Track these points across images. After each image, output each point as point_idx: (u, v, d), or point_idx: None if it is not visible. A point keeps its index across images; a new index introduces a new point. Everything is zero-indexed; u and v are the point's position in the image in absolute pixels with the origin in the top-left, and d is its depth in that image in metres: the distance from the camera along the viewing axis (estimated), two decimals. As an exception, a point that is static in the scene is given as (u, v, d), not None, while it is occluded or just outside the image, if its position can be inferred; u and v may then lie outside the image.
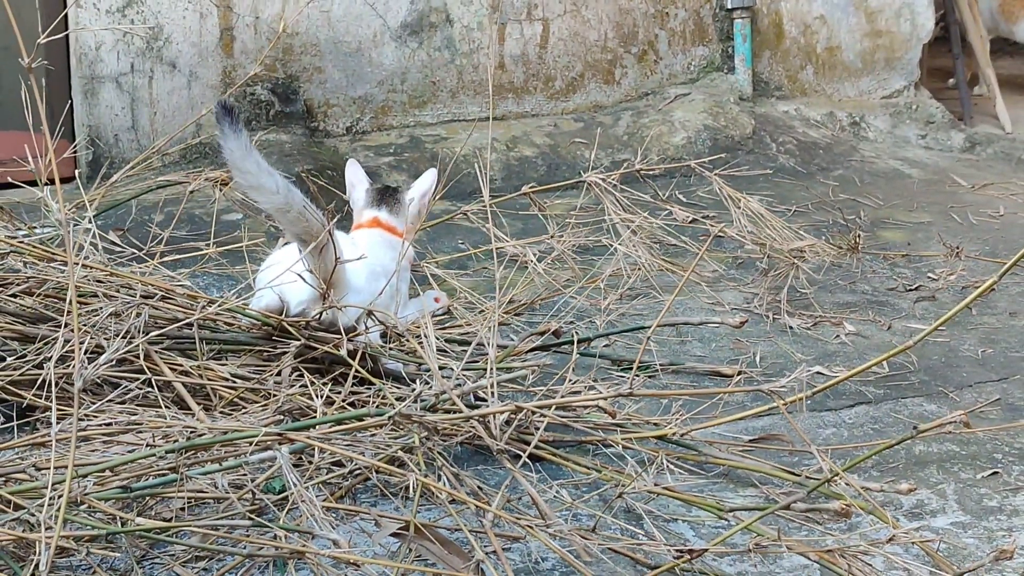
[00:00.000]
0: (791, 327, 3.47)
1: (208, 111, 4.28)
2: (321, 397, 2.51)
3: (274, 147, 4.59)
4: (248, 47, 4.74)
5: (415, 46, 4.98)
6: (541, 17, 5.14)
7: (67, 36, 4.48)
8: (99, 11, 4.58)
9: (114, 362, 2.53)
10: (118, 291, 2.86)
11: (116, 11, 4.59)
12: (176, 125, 4.49)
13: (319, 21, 4.84)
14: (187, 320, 2.76)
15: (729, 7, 5.38)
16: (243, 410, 2.67)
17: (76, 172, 4.53)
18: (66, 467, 1.91)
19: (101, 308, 2.74)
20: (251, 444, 2.23)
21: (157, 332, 2.70)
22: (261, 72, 4.68)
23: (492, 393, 2.43)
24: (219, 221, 3.83)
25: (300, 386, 2.67)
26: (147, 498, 2.24)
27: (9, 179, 3.49)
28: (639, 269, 3.53)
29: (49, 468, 1.99)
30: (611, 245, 3.58)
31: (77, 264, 2.81)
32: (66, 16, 4.51)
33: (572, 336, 3.10)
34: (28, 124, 2.91)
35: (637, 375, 2.80)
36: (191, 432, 2.31)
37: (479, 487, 2.43)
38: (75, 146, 4.39)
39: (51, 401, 2.05)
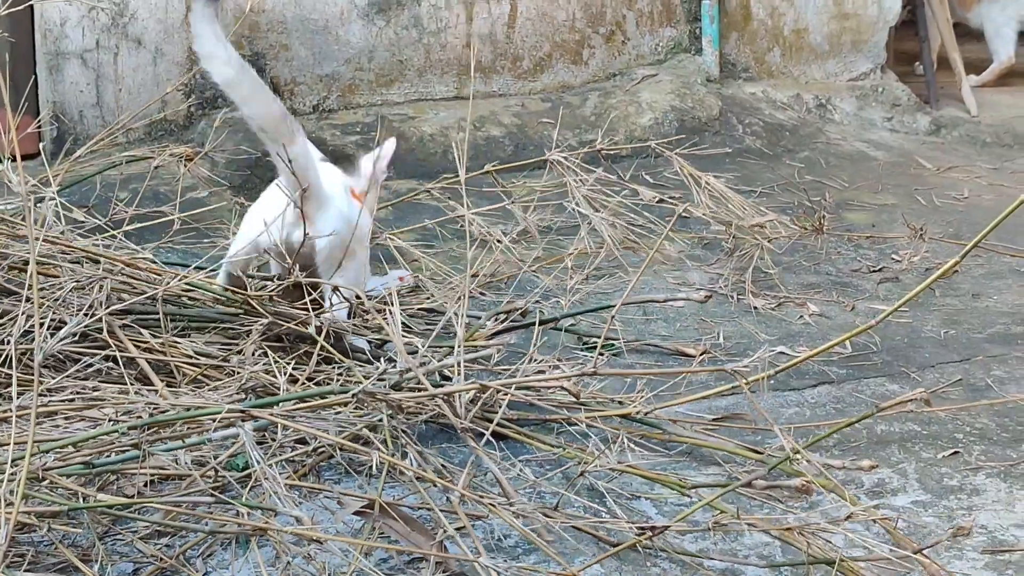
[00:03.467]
0: (755, 307, 3.48)
1: (173, 89, 4.27)
2: (285, 375, 2.50)
3: (240, 125, 4.57)
4: (214, 24, 4.70)
5: (382, 24, 4.97)
6: (509, -4, 5.13)
7: (31, 12, 4.45)
8: (64, -14, 4.56)
9: (77, 336, 2.52)
10: (81, 264, 2.84)
11: (81, -14, 4.56)
12: (141, 102, 4.47)
13: (286, -2, 4.82)
14: (151, 294, 2.75)
15: (697, -12, 5.39)
16: (207, 386, 2.66)
17: (40, 148, 4.49)
18: (27, 443, 1.90)
19: (63, 281, 2.72)
20: (214, 421, 2.23)
21: (120, 305, 2.69)
22: (227, 49, 4.65)
23: (458, 371, 2.44)
24: (184, 198, 3.81)
25: (264, 363, 2.67)
26: (109, 474, 2.23)
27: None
28: (604, 246, 3.54)
29: (9, 444, 1.98)
30: (577, 224, 3.58)
31: (38, 238, 2.78)
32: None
33: (537, 315, 3.11)
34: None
35: (601, 354, 2.80)
36: (154, 408, 2.30)
37: (443, 465, 2.43)
38: (39, 122, 4.36)
39: (12, 376, 2.04)
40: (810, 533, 2.15)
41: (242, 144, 4.40)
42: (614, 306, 2.82)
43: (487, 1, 5.10)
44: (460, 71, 5.10)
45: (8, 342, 2.46)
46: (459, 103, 5.07)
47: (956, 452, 2.68)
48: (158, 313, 2.75)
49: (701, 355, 3.14)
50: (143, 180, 3.88)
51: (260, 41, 4.79)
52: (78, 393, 2.49)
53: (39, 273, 2.79)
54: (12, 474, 1.89)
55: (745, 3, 5.48)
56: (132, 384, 2.55)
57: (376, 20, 4.95)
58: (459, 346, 2.48)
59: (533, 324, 3.00)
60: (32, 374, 2.41)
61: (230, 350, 2.79)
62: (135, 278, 2.86)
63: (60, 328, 2.54)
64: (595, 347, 3.10)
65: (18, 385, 2.00)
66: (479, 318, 3.18)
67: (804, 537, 2.15)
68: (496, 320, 3.13)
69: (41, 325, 2.06)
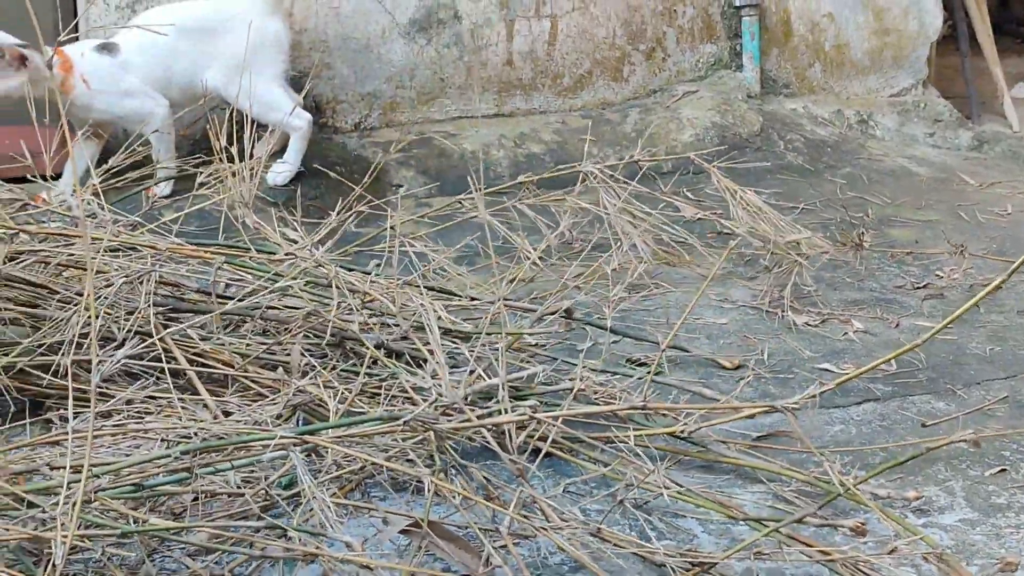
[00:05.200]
0: (797, 324, 3.47)
1: (214, 106, 4.30)
2: (335, 396, 2.51)
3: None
4: (257, 43, 4.73)
5: (424, 43, 4.99)
6: (550, 14, 5.14)
7: (76, 30, 4.49)
8: (109, 6, 4.60)
9: (130, 344, 2.55)
10: (130, 257, 2.91)
11: (126, 7, 4.60)
12: (186, 119, 4.50)
13: (328, 17, 4.85)
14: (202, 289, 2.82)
15: (737, 5, 5.38)
16: (254, 392, 2.70)
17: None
18: (81, 467, 1.91)
19: (112, 277, 2.76)
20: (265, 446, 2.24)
21: (169, 308, 2.75)
22: (270, 68, 4.69)
23: (505, 408, 2.43)
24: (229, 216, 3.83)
25: (312, 374, 2.70)
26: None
27: (29, 174, 3.50)
28: (643, 261, 3.55)
29: (64, 467, 2.00)
30: (615, 240, 3.59)
31: (95, 257, 2.81)
32: (75, 11, 4.54)
33: (585, 326, 3.13)
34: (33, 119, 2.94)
35: (644, 375, 2.80)
36: (205, 433, 2.32)
37: (487, 479, 2.44)
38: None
39: (66, 393, 2.06)
40: (853, 565, 2.15)
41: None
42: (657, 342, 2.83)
43: (527, 19, 5.12)
44: (501, 88, 5.12)
45: (61, 351, 2.52)
46: (500, 120, 5.08)
47: (1003, 470, 2.67)
48: (207, 310, 2.81)
49: (736, 368, 3.15)
50: (186, 198, 3.89)
51: (303, 60, 4.82)
52: (129, 404, 2.52)
53: (86, 269, 2.85)
54: (68, 496, 1.90)
55: (786, 19, 5.48)
56: (181, 395, 2.58)
57: (417, 38, 4.98)
58: (504, 383, 2.47)
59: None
60: (83, 390, 2.44)
61: (277, 342, 2.83)
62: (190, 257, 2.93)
63: (110, 338, 2.59)
64: (640, 363, 3.11)
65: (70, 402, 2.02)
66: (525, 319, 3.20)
67: (848, 569, 2.14)
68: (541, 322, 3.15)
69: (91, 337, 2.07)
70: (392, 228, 3.49)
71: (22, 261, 2.87)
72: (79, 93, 4.15)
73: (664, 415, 2.69)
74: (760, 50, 5.39)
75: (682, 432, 2.58)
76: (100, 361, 1.91)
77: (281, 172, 4.38)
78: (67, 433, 1.97)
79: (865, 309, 3.63)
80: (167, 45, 4.16)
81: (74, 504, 1.83)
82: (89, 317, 2.56)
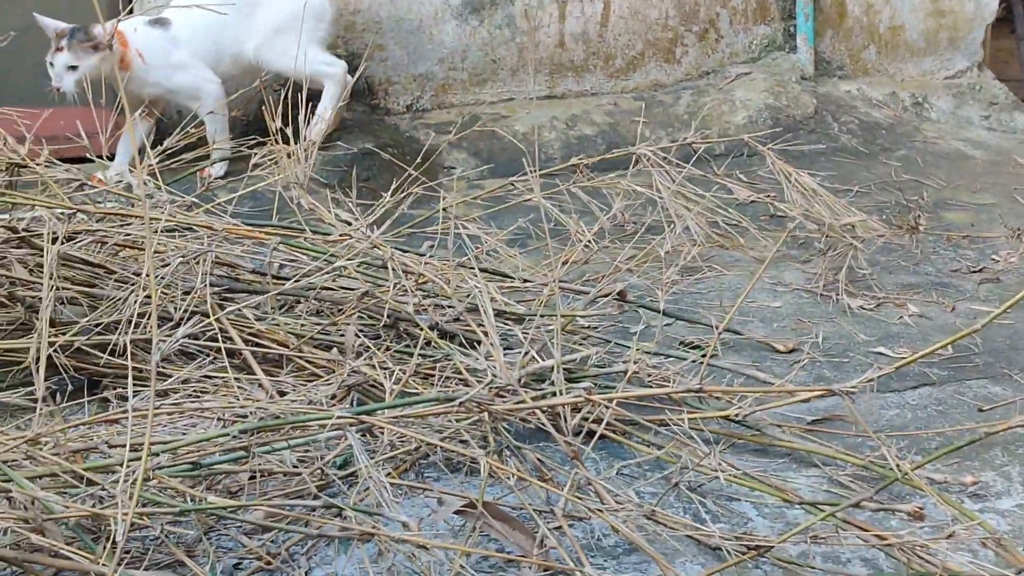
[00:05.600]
0: (851, 307, 3.45)
1: (267, 86, 4.31)
2: (390, 377, 2.52)
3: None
4: (310, 24, 4.74)
5: (476, 24, 4.99)
6: (602, -5, 5.14)
7: (132, 11, 4.52)
8: (163, -13, 4.63)
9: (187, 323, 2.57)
10: (186, 237, 2.93)
11: (180, -12, 4.63)
12: (241, 99, 4.52)
13: (381, -2, 4.86)
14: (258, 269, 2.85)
15: (791, -15, 5.36)
16: (309, 372, 2.71)
17: (144, 145, 4.56)
18: (139, 445, 1.93)
19: (169, 257, 2.78)
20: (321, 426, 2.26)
21: (224, 288, 2.76)
22: (324, 49, 4.70)
23: (559, 390, 2.43)
24: (282, 195, 3.84)
25: (367, 355, 2.71)
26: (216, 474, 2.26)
27: (89, 154, 3.54)
28: (698, 245, 3.54)
29: (124, 445, 2.01)
30: (668, 222, 3.58)
31: (154, 236, 2.83)
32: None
33: (638, 308, 3.12)
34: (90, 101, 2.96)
35: (699, 360, 2.80)
36: (262, 412, 2.33)
37: (540, 460, 2.44)
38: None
39: (123, 372, 2.07)
40: (910, 549, 2.14)
41: (339, 140, 4.44)
42: (712, 325, 2.82)
43: (580, 0, 5.10)
44: (553, 70, 5.11)
45: (118, 330, 2.54)
46: (551, 102, 5.07)
47: (1061, 455, 2.65)
48: (262, 290, 2.82)
49: (791, 351, 3.14)
50: (240, 179, 3.91)
51: (356, 41, 4.83)
52: (185, 383, 2.53)
53: (143, 249, 2.87)
54: (127, 474, 1.92)
55: (840, 0, 5.44)
56: (237, 375, 2.60)
57: (470, 20, 4.97)
58: (559, 366, 2.47)
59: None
60: (140, 369, 2.46)
61: (332, 323, 2.85)
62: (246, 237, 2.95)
63: (166, 318, 2.61)
64: (694, 345, 3.11)
65: (127, 383, 2.03)
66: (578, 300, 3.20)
67: (904, 553, 2.13)
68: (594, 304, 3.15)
69: (150, 316, 2.09)
70: (445, 210, 3.50)
71: (79, 241, 2.90)
72: (136, 67, 4.19)
73: (718, 398, 2.69)
74: (814, 31, 5.35)
75: (736, 415, 2.57)
76: (159, 340, 1.92)
77: (315, 126, 4.32)
78: (126, 412, 1.98)
79: (920, 293, 3.60)
80: (214, 18, 4.17)
81: (134, 482, 1.84)
82: (147, 297, 2.58)
